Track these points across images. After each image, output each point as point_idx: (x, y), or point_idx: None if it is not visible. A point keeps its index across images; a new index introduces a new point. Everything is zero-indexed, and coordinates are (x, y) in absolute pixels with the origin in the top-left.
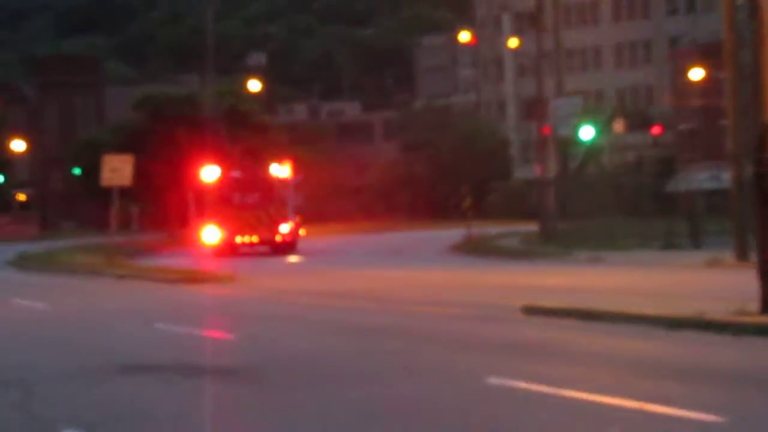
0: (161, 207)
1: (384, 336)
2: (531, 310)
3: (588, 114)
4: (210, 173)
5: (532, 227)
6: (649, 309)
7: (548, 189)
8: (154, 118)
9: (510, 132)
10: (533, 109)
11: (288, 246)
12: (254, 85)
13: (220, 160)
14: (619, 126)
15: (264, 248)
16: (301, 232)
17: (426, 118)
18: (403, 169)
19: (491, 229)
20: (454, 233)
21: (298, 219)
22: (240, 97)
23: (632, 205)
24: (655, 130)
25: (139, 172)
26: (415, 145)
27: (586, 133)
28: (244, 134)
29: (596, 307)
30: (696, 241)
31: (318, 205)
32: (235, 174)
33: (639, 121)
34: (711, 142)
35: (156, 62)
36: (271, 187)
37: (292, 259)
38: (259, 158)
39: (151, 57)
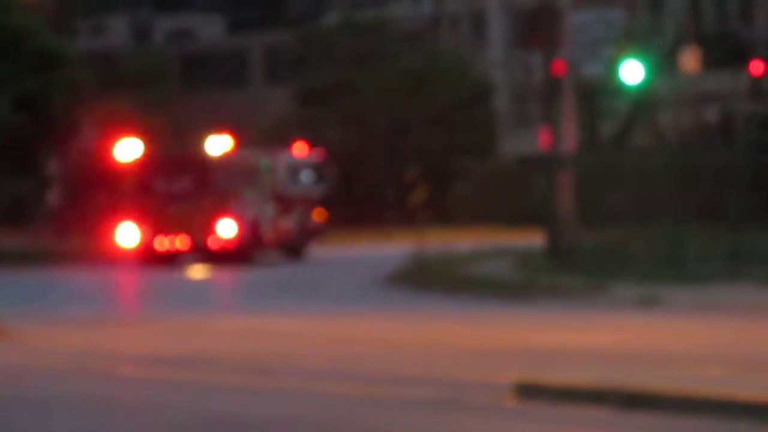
0: None
1: None
2: (531, 390)
3: (634, 39)
4: (126, 150)
5: (534, 240)
6: (744, 390)
7: (563, 173)
8: None
9: (494, 70)
10: (535, 29)
11: (236, 254)
12: None
13: None
14: (690, 60)
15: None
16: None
17: (343, 45)
18: (301, 136)
19: (461, 243)
20: (394, 251)
21: (316, 213)
22: (9, 5)
23: (715, 202)
24: (756, 67)
25: None
26: (323, 92)
27: (632, 73)
28: (14, 70)
29: (647, 385)
30: None
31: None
32: (155, 151)
33: (726, 52)
34: None
35: None
36: (206, 169)
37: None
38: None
39: None
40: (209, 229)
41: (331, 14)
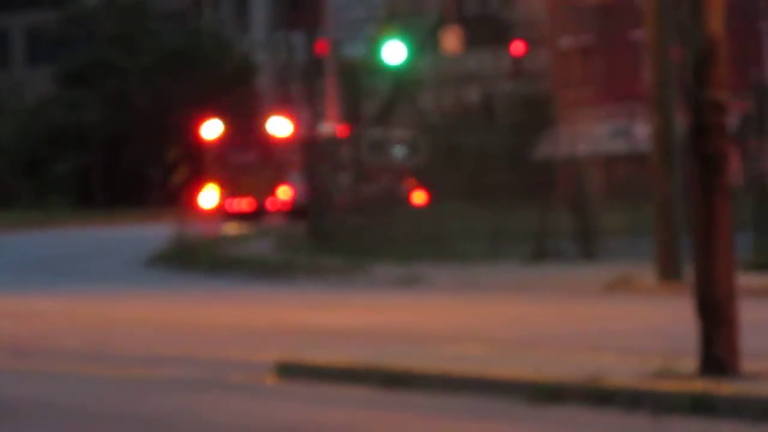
0: None
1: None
2: (291, 370)
3: (396, 20)
4: (209, 129)
5: (297, 221)
6: (502, 368)
7: (324, 153)
8: None
9: (257, 50)
10: (297, 9)
11: (294, 214)
12: None
13: None
14: (451, 41)
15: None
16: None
17: (105, 26)
18: (63, 117)
19: (225, 223)
20: (156, 233)
21: (407, 183)
22: None
23: (475, 183)
24: (516, 47)
25: None
26: (85, 72)
27: (393, 53)
28: None
29: (407, 364)
30: (588, 247)
31: None
32: (230, 131)
33: (487, 33)
34: (617, 71)
35: None
36: (268, 145)
37: None
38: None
39: None
40: (269, 193)
41: None
